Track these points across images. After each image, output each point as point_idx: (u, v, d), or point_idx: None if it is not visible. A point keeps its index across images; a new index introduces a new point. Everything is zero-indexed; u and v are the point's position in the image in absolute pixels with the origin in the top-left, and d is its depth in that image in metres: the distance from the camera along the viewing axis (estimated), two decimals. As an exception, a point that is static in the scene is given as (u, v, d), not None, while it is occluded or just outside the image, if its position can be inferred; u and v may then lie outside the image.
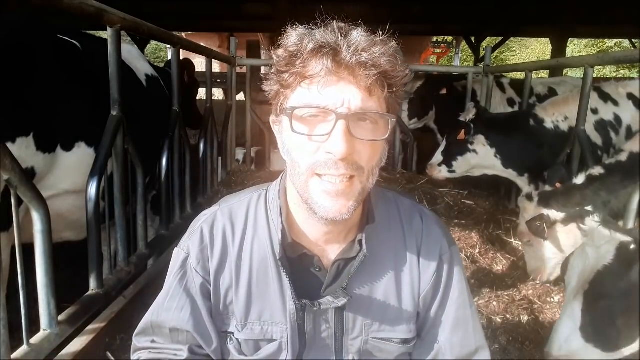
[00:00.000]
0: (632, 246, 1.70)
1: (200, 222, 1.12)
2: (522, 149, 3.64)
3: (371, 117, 0.90)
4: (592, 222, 1.83)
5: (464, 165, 3.82)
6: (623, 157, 2.64)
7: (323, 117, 0.89)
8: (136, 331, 1.15)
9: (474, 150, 3.71)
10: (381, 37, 0.91)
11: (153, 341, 1.12)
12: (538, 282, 2.86)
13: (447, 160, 3.84)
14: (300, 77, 0.90)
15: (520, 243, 3.61)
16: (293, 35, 0.91)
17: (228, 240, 1.09)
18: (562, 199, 2.61)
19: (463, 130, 3.72)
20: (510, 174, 3.77)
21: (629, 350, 1.73)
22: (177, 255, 1.12)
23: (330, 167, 0.89)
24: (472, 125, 3.69)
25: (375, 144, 0.92)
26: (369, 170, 0.93)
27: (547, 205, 2.62)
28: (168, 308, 1.09)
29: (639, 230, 1.79)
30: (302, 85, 0.90)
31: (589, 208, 2.51)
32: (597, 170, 2.62)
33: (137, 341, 1.15)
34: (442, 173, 3.90)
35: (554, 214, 2.58)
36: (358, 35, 0.89)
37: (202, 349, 1.10)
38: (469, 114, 3.77)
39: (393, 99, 0.94)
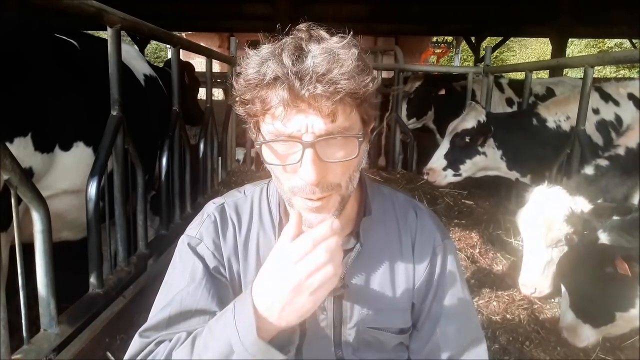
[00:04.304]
0: (575, 239, 2.00)
1: (211, 210, 1.14)
2: (527, 149, 3.54)
3: (341, 136, 0.89)
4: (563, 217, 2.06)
5: (472, 169, 3.66)
6: (621, 150, 2.66)
7: (291, 146, 0.89)
8: (145, 327, 1.05)
9: (484, 153, 3.56)
10: (341, 44, 0.88)
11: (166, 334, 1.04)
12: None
13: (453, 164, 3.64)
14: (262, 110, 0.89)
15: (520, 243, 3.63)
16: (251, 67, 0.90)
17: (236, 231, 1.11)
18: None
19: (485, 136, 3.50)
20: (513, 175, 3.68)
21: (616, 327, 2.00)
22: (188, 242, 1.10)
23: (307, 192, 0.91)
24: (492, 128, 3.51)
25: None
26: (346, 181, 0.95)
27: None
28: (195, 290, 1.04)
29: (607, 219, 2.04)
30: (266, 116, 0.90)
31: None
32: (602, 162, 2.61)
33: (145, 336, 1.03)
34: (447, 178, 3.69)
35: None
36: (312, 58, 0.85)
37: None
38: (481, 115, 3.59)
39: (363, 108, 0.92)
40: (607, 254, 1.86)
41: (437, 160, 3.70)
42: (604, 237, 1.95)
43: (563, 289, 2.12)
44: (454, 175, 3.66)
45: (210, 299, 1.04)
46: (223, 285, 1.08)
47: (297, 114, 0.86)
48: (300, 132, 0.87)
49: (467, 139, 3.55)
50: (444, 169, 3.66)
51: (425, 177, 3.74)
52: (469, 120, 3.60)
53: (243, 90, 0.92)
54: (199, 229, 1.11)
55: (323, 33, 0.90)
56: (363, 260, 1.08)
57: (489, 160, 3.60)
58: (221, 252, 1.10)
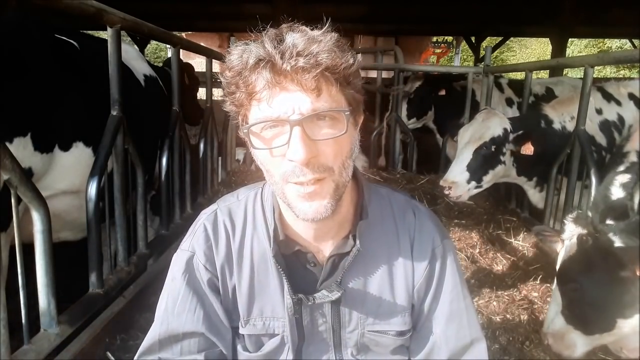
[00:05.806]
0: (589, 240, 1.90)
1: (202, 220, 1.13)
2: (535, 153, 3.25)
3: (328, 114, 0.90)
4: (569, 218, 2.04)
5: (493, 179, 3.31)
6: (634, 157, 2.55)
7: (280, 128, 0.90)
8: (140, 351, 1.09)
9: (504, 162, 3.27)
10: (320, 32, 0.90)
11: (159, 359, 1.07)
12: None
13: (476, 176, 3.23)
14: (248, 96, 0.90)
15: (520, 243, 3.62)
16: (234, 54, 0.92)
17: (230, 237, 1.10)
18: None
19: (529, 142, 3.13)
20: (521, 180, 3.54)
21: (611, 336, 1.92)
22: (180, 257, 1.10)
23: (297, 174, 0.90)
24: (528, 134, 3.19)
25: (340, 138, 0.92)
26: (339, 167, 0.94)
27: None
28: (179, 312, 1.06)
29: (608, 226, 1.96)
30: (252, 103, 0.91)
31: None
32: (623, 177, 2.41)
33: None
34: (470, 192, 3.28)
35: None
36: (292, 38, 0.88)
37: (216, 353, 1.09)
38: (505, 122, 3.26)
39: (348, 90, 0.93)
40: (626, 257, 1.77)
41: (461, 172, 3.22)
42: (616, 241, 1.85)
43: (556, 294, 2.02)
44: (476, 187, 3.27)
45: (197, 320, 1.05)
46: (212, 300, 1.08)
47: (282, 92, 0.87)
48: (287, 113, 0.88)
49: (493, 148, 3.22)
50: (468, 181, 3.23)
51: (447, 192, 3.25)
52: (494, 127, 3.25)
53: (228, 79, 0.93)
54: (191, 241, 1.11)
55: (303, 27, 0.92)
56: (360, 263, 1.07)
57: (506, 168, 3.33)
58: (214, 264, 1.09)
